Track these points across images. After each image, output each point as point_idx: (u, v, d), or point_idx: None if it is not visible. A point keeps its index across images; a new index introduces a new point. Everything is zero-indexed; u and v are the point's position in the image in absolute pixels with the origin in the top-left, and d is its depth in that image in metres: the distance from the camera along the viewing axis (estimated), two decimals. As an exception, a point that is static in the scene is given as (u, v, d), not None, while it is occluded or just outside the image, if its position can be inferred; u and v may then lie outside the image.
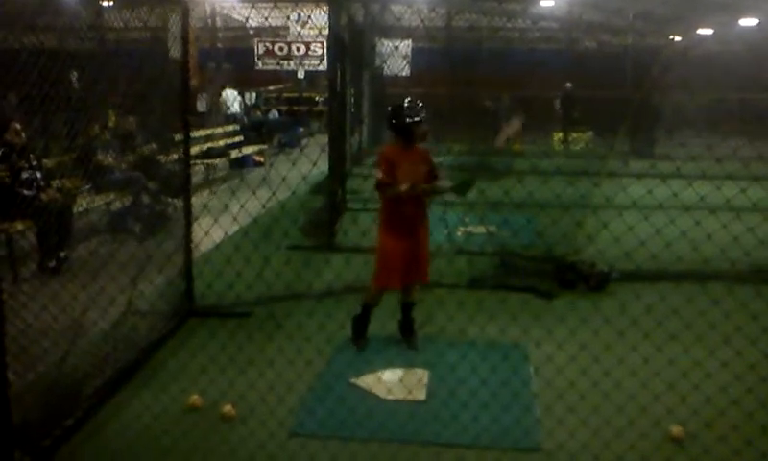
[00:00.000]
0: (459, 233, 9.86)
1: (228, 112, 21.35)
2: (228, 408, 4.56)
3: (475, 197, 11.95)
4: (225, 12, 30.48)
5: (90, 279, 6.87)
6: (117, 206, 9.75)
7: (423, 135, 5.49)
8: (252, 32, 28.63)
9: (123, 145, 10.19)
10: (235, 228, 9.28)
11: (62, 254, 8.01)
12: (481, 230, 10.04)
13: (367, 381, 5.06)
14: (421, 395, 4.89)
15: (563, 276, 7.52)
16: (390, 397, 4.85)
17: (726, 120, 18.52)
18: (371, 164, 17.30)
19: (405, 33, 24.36)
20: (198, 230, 7.00)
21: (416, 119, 5.37)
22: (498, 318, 6.28)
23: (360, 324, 5.78)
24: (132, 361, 5.33)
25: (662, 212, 5.61)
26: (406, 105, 5.44)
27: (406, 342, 5.77)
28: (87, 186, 8.85)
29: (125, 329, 5.67)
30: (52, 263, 7.75)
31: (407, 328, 5.83)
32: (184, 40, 6.10)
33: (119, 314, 5.80)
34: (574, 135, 21.45)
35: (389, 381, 5.01)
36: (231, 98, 21.91)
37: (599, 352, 5.16)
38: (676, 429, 4.33)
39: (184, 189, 6.66)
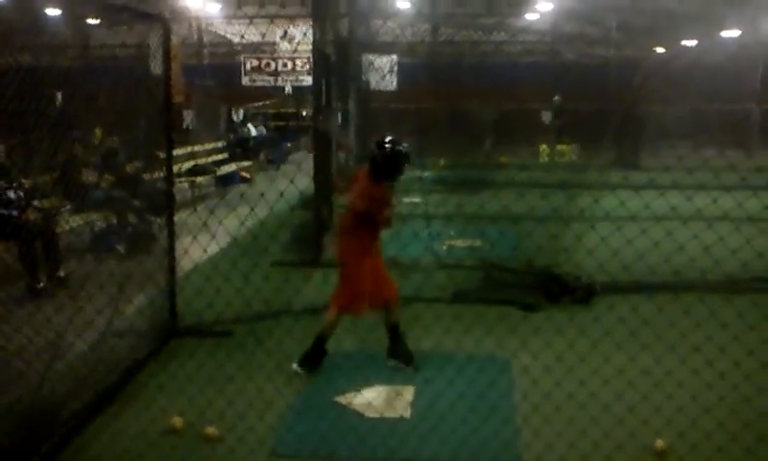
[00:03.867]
0: (443, 247, 9.88)
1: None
2: (210, 429, 4.52)
3: (458, 210, 12.11)
4: (212, 28, 30.60)
5: (73, 299, 6.88)
6: (101, 225, 9.71)
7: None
8: (239, 48, 28.75)
9: (106, 163, 10.16)
10: (219, 245, 9.29)
11: (61, 274, 7.99)
12: (465, 243, 10.08)
13: (349, 399, 5.04)
14: (405, 411, 4.88)
15: (548, 288, 7.53)
16: (372, 414, 4.83)
17: (706, 130, 18.65)
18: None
19: (391, 48, 24.49)
20: (181, 249, 7.01)
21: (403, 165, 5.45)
22: (481, 332, 6.25)
23: (316, 357, 5.60)
24: (114, 383, 5.29)
25: (647, 224, 5.66)
26: (384, 146, 5.43)
27: (404, 363, 5.66)
28: (69, 206, 8.81)
29: (106, 351, 5.62)
30: (40, 284, 7.70)
31: (400, 350, 5.71)
32: (165, 57, 6.09)
33: (100, 335, 5.77)
34: (560, 148, 21.55)
35: (371, 399, 4.99)
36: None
37: (577, 364, 5.21)
38: (660, 444, 4.34)
39: (167, 207, 6.63)
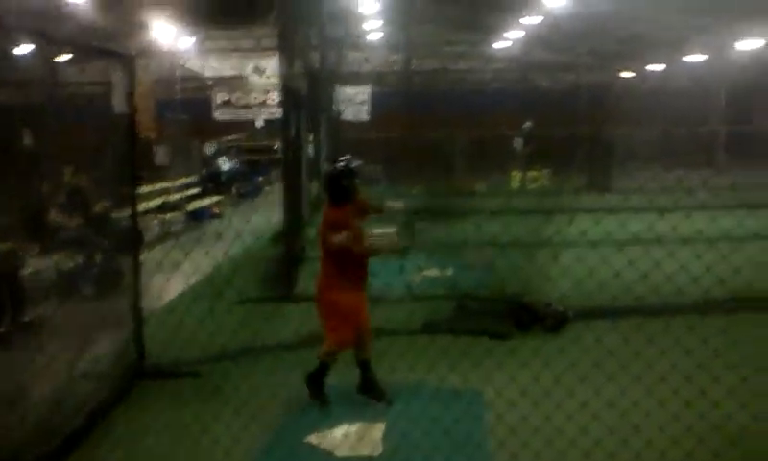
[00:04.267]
0: (416, 278, 9.83)
1: None
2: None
3: (430, 240, 12.11)
4: (183, 64, 30.56)
5: (37, 344, 6.76)
6: (69, 265, 9.55)
7: (356, 191, 5.56)
8: (211, 83, 28.73)
9: (73, 202, 10.02)
10: (188, 283, 9.22)
11: (26, 319, 7.83)
12: (437, 273, 10.06)
13: (319, 438, 4.96)
14: (375, 449, 4.80)
15: (518, 317, 7.52)
16: (342, 453, 4.75)
17: (675, 152, 18.92)
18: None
19: (363, 78, 24.63)
20: (151, 287, 6.92)
21: (351, 181, 5.43)
22: (452, 363, 6.25)
23: (317, 380, 5.59)
24: (77, 428, 5.15)
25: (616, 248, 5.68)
26: (340, 169, 5.50)
27: (375, 398, 5.58)
28: (35, 248, 8.67)
29: (69, 395, 5.49)
30: (2, 329, 7.54)
31: (371, 386, 5.63)
32: (130, 94, 6.04)
33: (64, 380, 5.64)
34: (532, 174, 21.70)
35: (341, 437, 4.91)
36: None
37: (542, 397, 5.16)
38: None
39: (133, 246, 6.55)
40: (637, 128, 21.53)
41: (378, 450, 4.79)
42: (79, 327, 6.51)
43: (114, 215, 10.92)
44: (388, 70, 25.32)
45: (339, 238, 5.25)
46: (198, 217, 15.25)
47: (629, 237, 7.38)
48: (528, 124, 22.12)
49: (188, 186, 17.10)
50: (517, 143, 22.36)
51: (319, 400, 5.55)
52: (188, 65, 30.50)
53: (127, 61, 6.02)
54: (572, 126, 21.20)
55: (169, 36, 28.32)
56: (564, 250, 9.62)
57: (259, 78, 25.32)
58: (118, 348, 6.36)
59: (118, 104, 6.20)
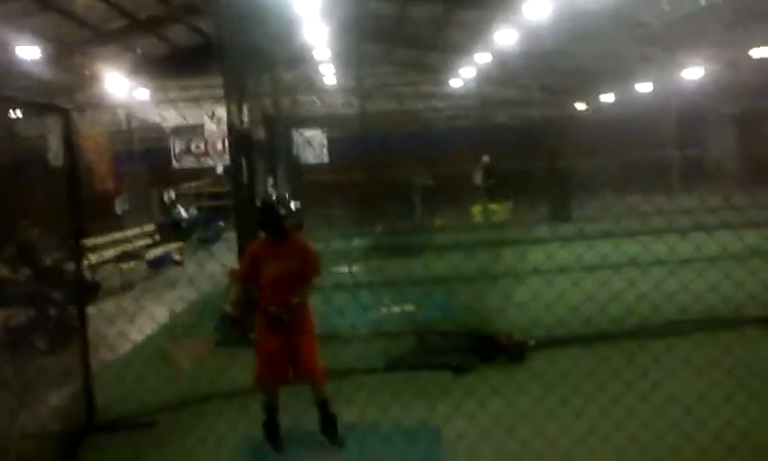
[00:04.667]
0: (377, 314, 9.74)
1: None
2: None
3: (394, 277, 12.07)
4: (141, 115, 30.43)
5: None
6: (19, 320, 9.29)
7: (295, 228, 5.49)
8: (168, 132, 28.59)
9: (23, 255, 9.78)
10: (145, 332, 9.01)
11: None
12: (399, 308, 9.98)
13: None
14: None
15: (480, 349, 7.45)
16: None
17: (631, 178, 19.24)
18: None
19: (321, 122, 24.75)
20: (106, 338, 6.73)
21: (278, 216, 5.39)
22: (413, 400, 6.18)
23: (268, 426, 5.47)
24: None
25: (579, 274, 5.67)
26: (269, 203, 5.63)
27: (329, 440, 5.44)
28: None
29: (12, 455, 5.27)
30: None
31: (327, 426, 5.48)
32: (68, 147, 5.92)
33: (5, 439, 5.43)
34: (493, 207, 21.86)
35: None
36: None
37: (514, 424, 5.07)
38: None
39: (79, 299, 6.38)
40: (593, 157, 21.91)
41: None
42: (27, 383, 6.32)
43: (66, 267, 10.72)
44: (344, 113, 25.49)
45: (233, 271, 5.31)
46: (158, 264, 15.01)
47: (590, 264, 7.44)
48: (486, 158, 22.34)
49: (148, 234, 16.86)
50: (477, 177, 22.57)
51: (271, 444, 5.41)
52: (145, 116, 30.38)
53: (63, 114, 5.90)
54: (530, 159, 21.43)
55: (124, 88, 28.25)
56: (526, 280, 9.67)
57: (216, 126, 25.23)
58: (67, 402, 6.16)
59: (55, 156, 6.08)
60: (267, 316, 5.33)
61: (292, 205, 5.23)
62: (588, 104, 28.31)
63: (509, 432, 4.87)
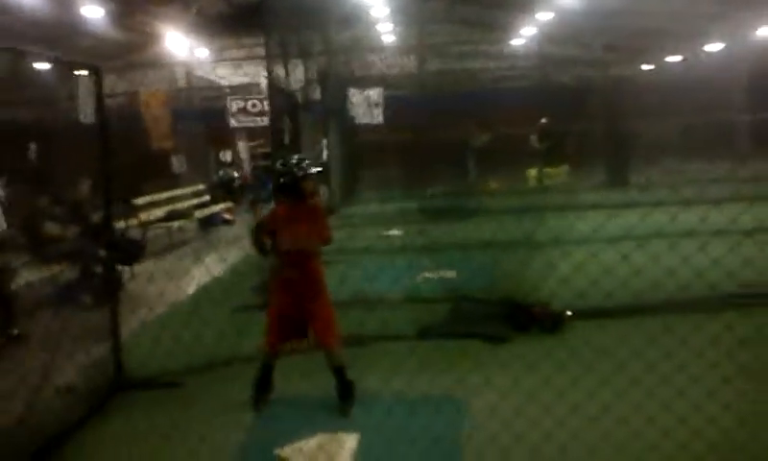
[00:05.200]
0: (416, 280, 9.62)
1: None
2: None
3: (439, 240, 11.92)
4: (198, 73, 30.77)
5: (23, 356, 6.71)
6: (68, 276, 9.51)
7: (310, 192, 5.42)
8: (227, 91, 28.78)
9: (73, 214, 10.00)
10: (187, 291, 9.12)
11: (15, 332, 7.80)
12: (439, 274, 9.82)
13: (290, 453, 4.77)
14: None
15: (515, 319, 7.26)
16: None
17: (696, 143, 18.48)
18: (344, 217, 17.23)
19: (377, 81, 24.49)
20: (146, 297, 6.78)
21: (294, 178, 5.31)
22: (443, 369, 6.07)
23: (260, 381, 5.54)
24: (48, 442, 5.03)
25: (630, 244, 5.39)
26: (285, 164, 5.44)
27: (339, 407, 5.42)
28: (27, 260, 8.64)
29: (45, 409, 5.40)
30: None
31: (342, 393, 5.46)
32: (99, 105, 5.92)
33: (44, 391, 5.57)
34: (549, 171, 21.36)
35: (311, 450, 4.71)
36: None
37: (526, 403, 4.89)
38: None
39: (111, 258, 6.47)
40: (657, 121, 21.09)
41: (345, 462, 4.60)
42: (66, 339, 6.46)
43: (113, 226, 10.91)
44: (401, 72, 25.15)
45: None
46: (209, 224, 15.19)
47: (643, 234, 7.11)
48: (544, 120, 21.78)
49: (200, 193, 17.07)
50: (534, 139, 22.04)
51: (254, 400, 5.48)
52: (204, 75, 30.69)
53: (94, 72, 5.90)
54: (589, 121, 20.78)
55: (183, 47, 28.53)
56: (573, 248, 9.37)
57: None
58: (99, 359, 6.27)
59: (85, 115, 6.10)
60: (280, 279, 5.36)
61: (312, 168, 5.14)
62: (653, 64, 27.22)
63: (545, 410, 4.69)
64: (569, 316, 7.14)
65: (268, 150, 26.01)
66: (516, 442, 4.41)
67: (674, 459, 4.21)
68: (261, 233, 5.46)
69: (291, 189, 5.32)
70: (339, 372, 5.42)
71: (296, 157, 5.51)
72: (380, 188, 21.94)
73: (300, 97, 13.09)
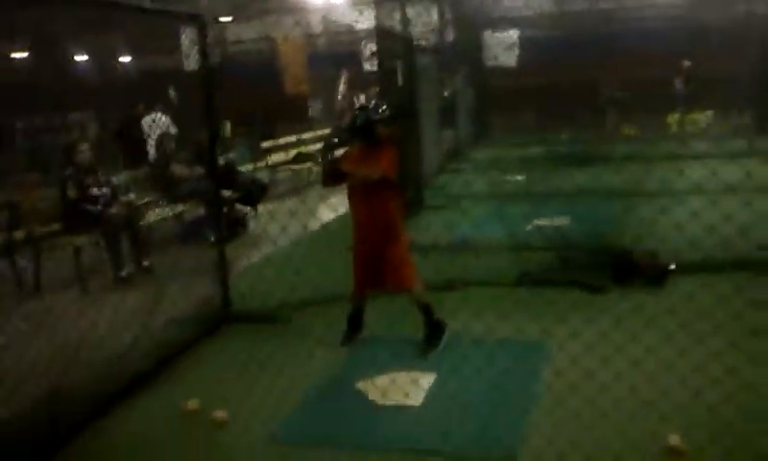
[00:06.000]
0: (529, 227, 9.51)
1: None
2: (219, 413, 4.64)
3: (562, 187, 11.64)
4: (334, 18, 31.11)
5: (150, 287, 7.35)
6: (194, 214, 10.19)
7: (387, 136, 5.45)
8: (362, 35, 29.01)
9: (198, 156, 10.63)
10: (298, 233, 9.50)
11: (146, 263, 8.50)
12: (552, 222, 9.66)
13: (366, 386, 4.99)
14: (416, 400, 4.75)
15: (619, 269, 7.05)
16: (382, 401, 4.76)
17: None
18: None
19: (510, 22, 23.82)
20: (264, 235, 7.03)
21: (367, 121, 5.41)
22: (532, 316, 6.05)
23: (352, 320, 5.88)
24: (152, 366, 5.53)
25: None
26: (360, 110, 5.61)
27: (422, 345, 5.58)
28: (157, 199, 9.35)
29: (155, 334, 5.93)
30: (123, 273, 8.23)
31: (428, 332, 5.62)
32: (203, 56, 6.25)
33: (154, 319, 6.12)
34: (693, 116, 20.09)
35: (385, 386, 4.90)
36: None
37: (613, 354, 4.70)
38: (674, 440, 3.94)
39: (215, 197, 6.91)
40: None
41: (419, 400, 4.74)
42: (187, 273, 7.03)
43: (237, 168, 11.53)
44: (536, 13, 24.31)
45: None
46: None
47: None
48: (687, 63, 20.40)
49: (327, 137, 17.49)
50: (678, 83, 20.73)
51: (346, 335, 5.83)
52: (340, 19, 31.02)
53: (198, 22, 6.20)
54: (741, 62, 19.22)
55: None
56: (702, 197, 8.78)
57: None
58: (211, 293, 6.75)
59: (189, 62, 6.44)
60: (355, 224, 5.59)
61: (387, 111, 5.22)
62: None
63: (632, 365, 4.57)
64: (672, 269, 6.85)
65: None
66: (600, 392, 4.36)
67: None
68: (331, 166, 5.53)
69: (364, 132, 5.41)
70: (425, 311, 5.58)
71: (374, 101, 5.61)
72: (511, 133, 21.58)
73: (421, 40, 13.05)
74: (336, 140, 5.63)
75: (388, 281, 5.52)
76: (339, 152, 5.48)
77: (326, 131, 17.93)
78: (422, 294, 5.61)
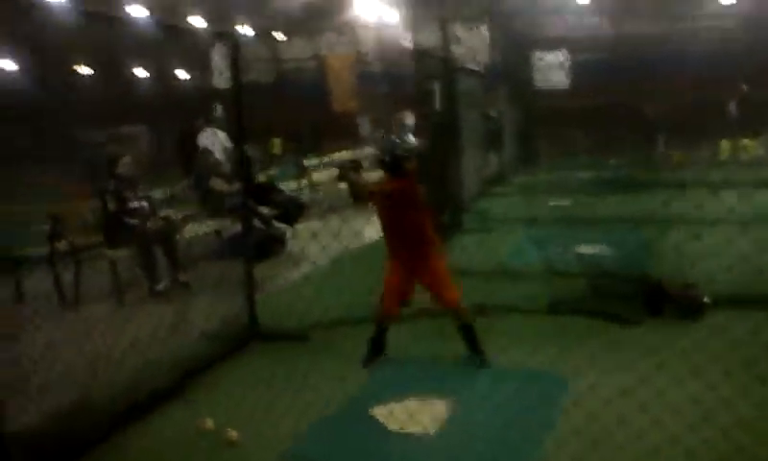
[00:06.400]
0: (567, 253, 9.34)
1: None
2: (231, 433, 4.67)
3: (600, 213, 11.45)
4: (387, 36, 31.34)
5: (184, 301, 7.47)
6: (233, 230, 10.32)
7: (413, 168, 5.68)
8: (414, 53, 29.15)
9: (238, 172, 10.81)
10: (333, 253, 9.52)
11: (183, 279, 8.65)
12: (592, 249, 9.49)
13: (382, 412, 4.97)
14: (431, 427, 4.71)
15: (649, 299, 6.89)
16: (394, 427, 4.73)
17: None
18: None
19: (560, 43, 23.66)
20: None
21: (396, 156, 5.65)
22: (560, 346, 5.92)
23: (375, 341, 5.90)
24: (176, 382, 5.61)
25: None
26: (390, 142, 5.93)
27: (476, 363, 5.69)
28: (193, 214, 9.50)
29: (180, 350, 6.01)
30: (159, 287, 8.39)
31: (470, 349, 5.73)
32: (235, 74, 6.34)
33: (186, 334, 6.23)
34: (747, 143, 19.58)
35: (402, 413, 4.87)
36: None
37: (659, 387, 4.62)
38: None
39: (245, 216, 6.99)
40: None
41: (434, 429, 4.70)
42: (221, 289, 7.14)
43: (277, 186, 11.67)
44: (587, 34, 24.11)
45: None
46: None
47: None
48: (744, 86, 19.95)
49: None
50: (732, 108, 20.28)
51: (368, 355, 5.85)
52: (393, 38, 31.22)
53: (232, 40, 6.31)
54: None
55: (374, 10, 29.22)
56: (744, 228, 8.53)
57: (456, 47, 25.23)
58: (240, 310, 6.82)
59: (220, 79, 6.55)
60: (388, 245, 5.79)
61: (413, 142, 5.33)
62: None
63: (657, 395, 4.47)
64: (707, 302, 6.65)
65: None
66: (619, 425, 4.25)
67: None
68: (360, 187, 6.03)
69: (393, 166, 5.66)
70: (467, 331, 5.66)
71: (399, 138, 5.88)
72: (558, 156, 21.34)
73: (463, 60, 13.04)
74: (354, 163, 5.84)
75: (434, 296, 5.73)
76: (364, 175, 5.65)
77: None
78: (467, 312, 5.76)
